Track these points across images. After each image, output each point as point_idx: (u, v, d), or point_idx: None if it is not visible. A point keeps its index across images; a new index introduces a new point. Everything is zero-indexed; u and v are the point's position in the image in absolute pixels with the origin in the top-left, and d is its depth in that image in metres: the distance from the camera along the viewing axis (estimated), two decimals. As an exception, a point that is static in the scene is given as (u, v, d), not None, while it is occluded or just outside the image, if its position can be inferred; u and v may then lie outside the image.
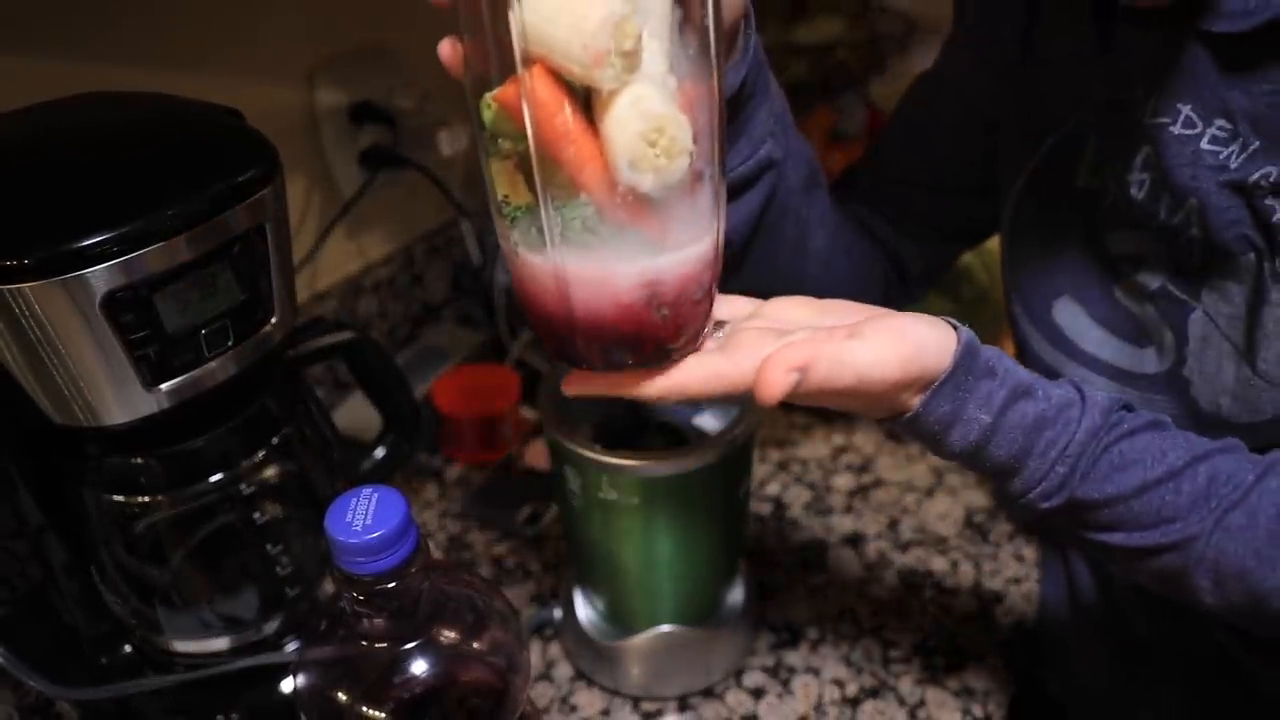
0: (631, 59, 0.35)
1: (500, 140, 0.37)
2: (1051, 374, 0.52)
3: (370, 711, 0.44)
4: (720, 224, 0.39)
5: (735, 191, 0.54)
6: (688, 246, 0.38)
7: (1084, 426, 0.44)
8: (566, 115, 0.35)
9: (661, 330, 0.39)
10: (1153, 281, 0.53)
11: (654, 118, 0.35)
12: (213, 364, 0.49)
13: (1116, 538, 0.45)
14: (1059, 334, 0.57)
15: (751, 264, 0.60)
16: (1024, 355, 0.60)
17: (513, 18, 0.33)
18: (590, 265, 0.37)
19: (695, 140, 0.36)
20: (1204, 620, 0.58)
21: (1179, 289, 0.52)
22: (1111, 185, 0.54)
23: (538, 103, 0.34)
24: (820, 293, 0.49)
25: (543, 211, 0.36)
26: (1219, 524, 0.43)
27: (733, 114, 0.52)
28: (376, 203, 0.91)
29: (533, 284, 0.39)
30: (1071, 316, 0.57)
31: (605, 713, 0.65)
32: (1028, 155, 0.59)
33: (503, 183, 0.38)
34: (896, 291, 0.71)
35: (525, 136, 0.35)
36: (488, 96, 0.37)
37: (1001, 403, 0.43)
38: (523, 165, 0.37)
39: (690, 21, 0.36)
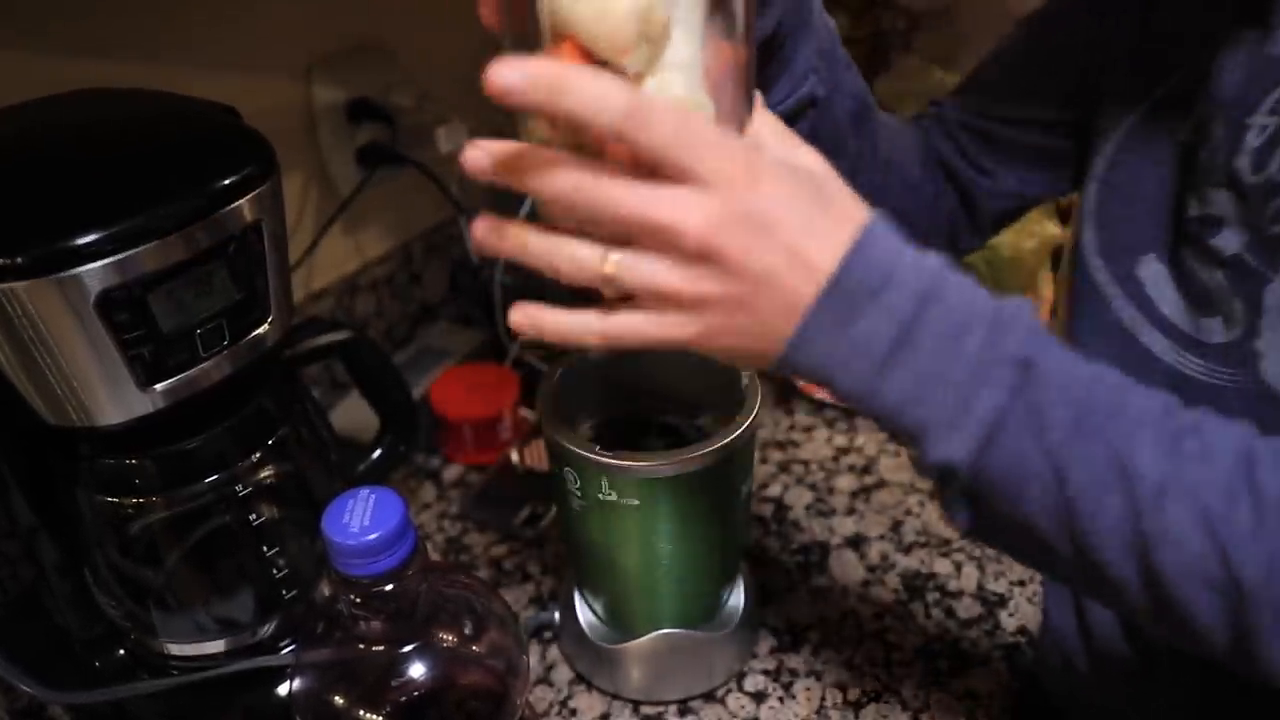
0: (657, 46, 0.35)
1: (530, 118, 0.38)
2: (1128, 336, 0.51)
3: (368, 715, 0.43)
4: None
5: None
6: None
7: (1025, 306, 0.39)
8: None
9: None
10: (1227, 248, 0.50)
11: (677, 104, 0.35)
12: (208, 364, 0.48)
13: (1078, 454, 0.37)
14: (1141, 292, 0.55)
15: None
16: (1094, 316, 0.57)
17: (540, 6, 0.35)
18: None
19: (721, 119, 0.37)
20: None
21: (1255, 258, 0.49)
22: (1220, 135, 0.51)
23: None
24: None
25: None
26: (1177, 446, 0.37)
27: (771, 53, 0.51)
28: (374, 201, 0.91)
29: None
30: (1154, 276, 0.55)
31: (605, 716, 0.64)
32: (1135, 102, 0.57)
33: None
34: (965, 232, 0.70)
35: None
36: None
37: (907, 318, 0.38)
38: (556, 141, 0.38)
39: (720, 4, 0.37)
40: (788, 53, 0.52)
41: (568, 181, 0.36)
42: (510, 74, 0.34)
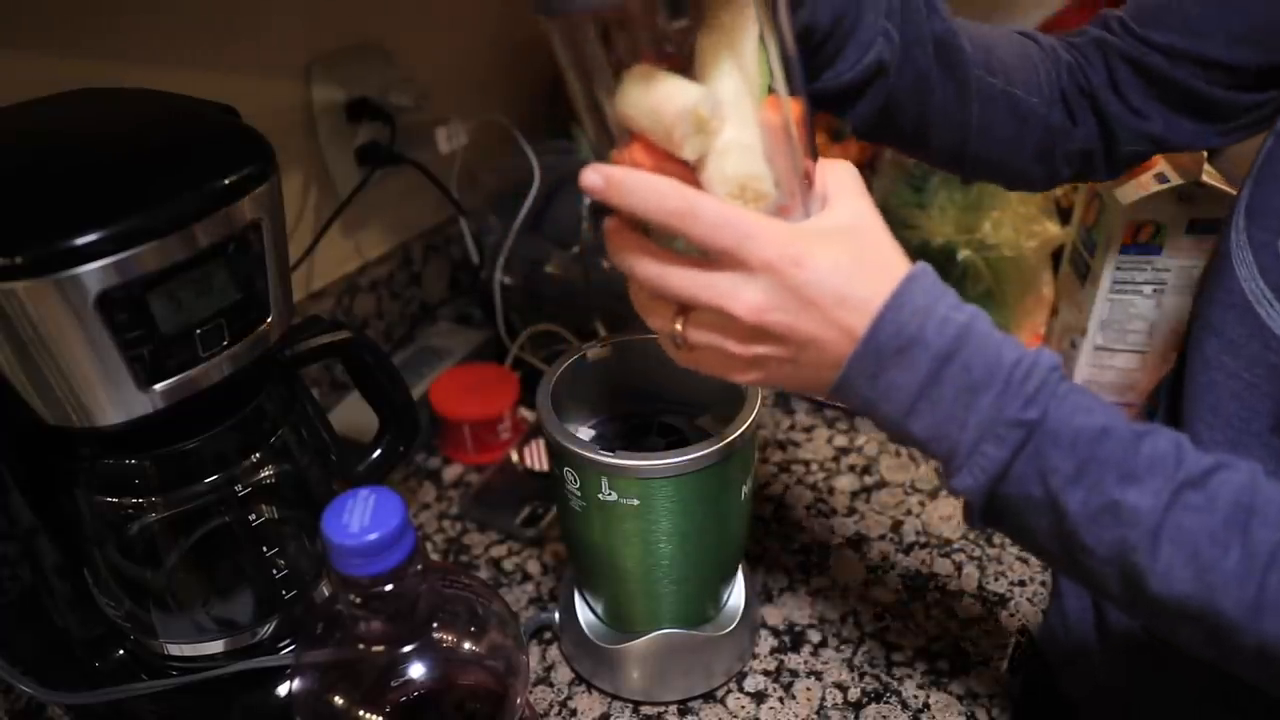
0: (709, 136, 0.42)
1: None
2: (1249, 310, 0.53)
3: (368, 715, 0.43)
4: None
5: (846, 96, 0.59)
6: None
7: (1043, 362, 0.43)
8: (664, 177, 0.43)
9: None
10: None
11: (735, 181, 0.42)
12: (208, 364, 0.48)
13: (1076, 496, 0.42)
14: (1276, 266, 0.54)
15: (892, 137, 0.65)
16: (1220, 284, 0.56)
17: (607, 108, 0.43)
18: None
19: (781, 179, 0.44)
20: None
21: None
22: None
23: (640, 169, 0.43)
24: (978, 157, 0.62)
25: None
26: (1178, 496, 0.41)
27: (831, 34, 0.55)
28: (373, 200, 0.90)
29: None
30: None
31: (605, 717, 0.64)
32: None
33: None
34: (1100, 166, 0.68)
35: None
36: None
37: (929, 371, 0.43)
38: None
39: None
40: (849, 26, 0.55)
41: (647, 269, 0.45)
42: (593, 177, 0.44)
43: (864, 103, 0.59)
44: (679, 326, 0.46)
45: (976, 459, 0.43)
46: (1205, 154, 0.77)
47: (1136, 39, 0.64)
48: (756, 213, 0.43)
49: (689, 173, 0.43)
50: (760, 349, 0.45)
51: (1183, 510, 0.41)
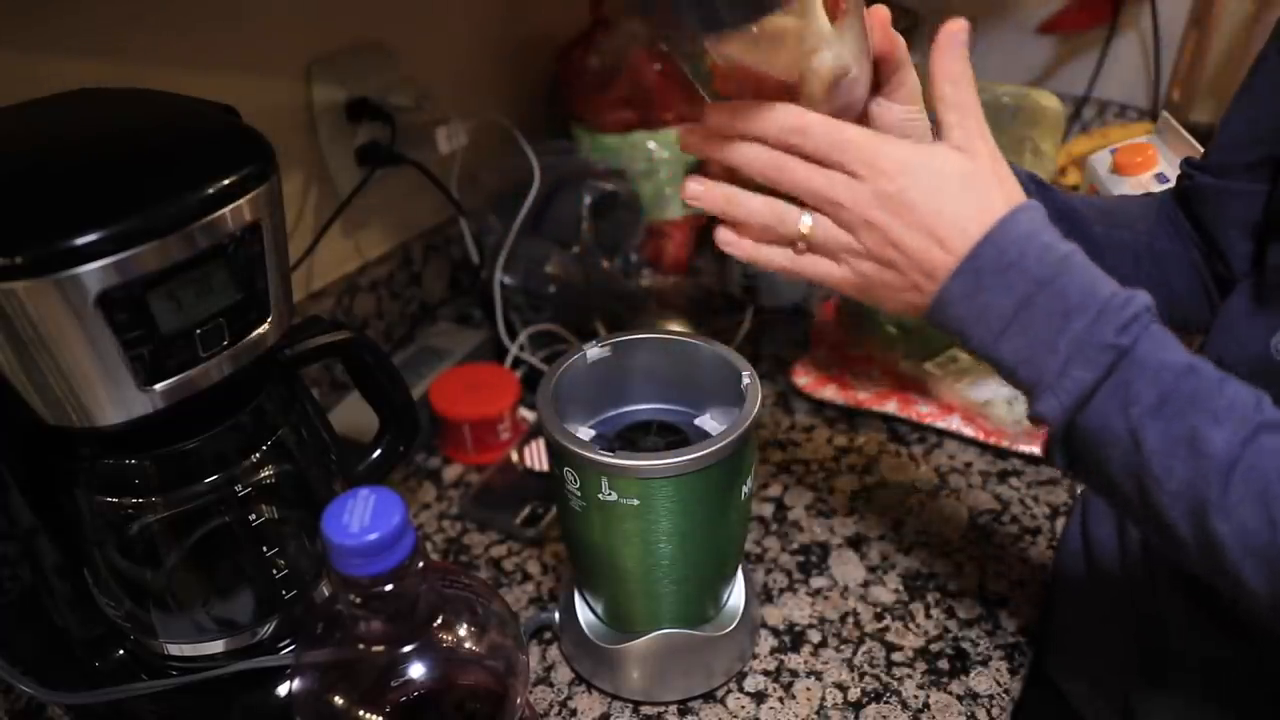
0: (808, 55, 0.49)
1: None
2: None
3: (367, 715, 0.43)
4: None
5: None
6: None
7: (1139, 299, 0.46)
8: None
9: None
10: None
11: (828, 78, 0.49)
12: (208, 364, 0.48)
13: (1155, 427, 0.44)
14: None
15: None
16: None
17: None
18: None
19: (860, 65, 0.51)
20: (1231, 620, 0.57)
21: None
22: None
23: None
24: None
25: None
26: (1254, 436, 0.43)
27: None
28: (374, 201, 0.91)
29: None
30: None
31: (605, 717, 0.64)
32: None
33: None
34: (1221, 293, 0.67)
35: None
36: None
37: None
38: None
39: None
40: None
41: (770, 160, 0.50)
42: (720, 114, 0.50)
43: None
44: (805, 223, 0.50)
45: (1063, 382, 0.45)
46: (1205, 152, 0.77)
47: (1209, 171, 0.65)
48: (863, 129, 0.49)
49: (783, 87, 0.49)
50: (866, 244, 0.49)
51: (1259, 450, 0.42)
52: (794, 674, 0.67)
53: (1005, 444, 0.86)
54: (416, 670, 0.44)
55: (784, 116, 0.48)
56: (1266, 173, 0.61)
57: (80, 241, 0.41)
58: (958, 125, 0.50)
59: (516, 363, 0.95)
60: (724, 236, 0.54)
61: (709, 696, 0.65)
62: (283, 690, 0.57)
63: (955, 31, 0.51)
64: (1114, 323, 0.45)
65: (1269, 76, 0.61)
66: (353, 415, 0.82)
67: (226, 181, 0.46)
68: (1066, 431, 0.47)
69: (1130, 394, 0.44)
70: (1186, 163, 0.68)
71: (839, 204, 0.49)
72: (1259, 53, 0.63)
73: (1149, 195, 0.70)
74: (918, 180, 0.48)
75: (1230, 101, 0.65)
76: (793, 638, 0.69)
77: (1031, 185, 0.61)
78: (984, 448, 0.87)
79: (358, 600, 0.41)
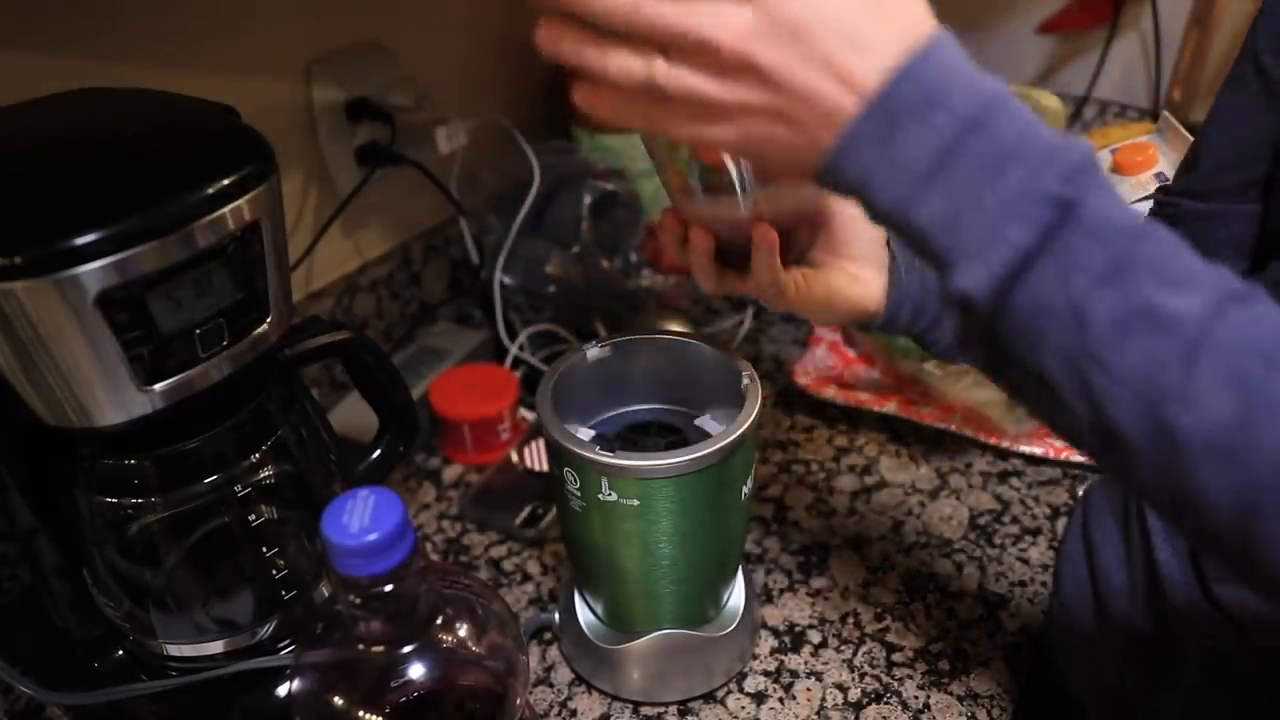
0: None
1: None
2: None
3: (367, 715, 0.43)
4: None
5: (961, 349, 0.61)
6: None
7: (1082, 146, 0.37)
8: None
9: None
10: None
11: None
12: (208, 364, 0.48)
13: (1105, 300, 0.35)
14: None
15: None
16: None
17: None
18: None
19: None
20: (1234, 618, 0.57)
21: None
22: None
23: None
24: None
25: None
26: (1222, 309, 0.35)
27: (915, 319, 0.59)
28: (373, 200, 0.90)
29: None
30: None
31: (605, 717, 0.64)
32: None
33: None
34: None
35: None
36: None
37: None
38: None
39: None
40: (932, 314, 0.59)
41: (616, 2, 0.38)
42: None
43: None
44: (657, 69, 0.39)
45: (995, 245, 0.36)
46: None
47: (1177, 194, 0.65)
48: None
49: None
50: (743, 95, 0.38)
51: (1227, 323, 0.35)
52: (794, 674, 0.66)
53: (1005, 444, 0.86)
54: (416, 671, 0.43)
55: None
56: (1257, 193, 0.61)
57: (80, 241, 0.41)
58: None
59: (516, 363, 0.95)
60: (581, 95, 0.42)
61: (709, 697, 0.65)
62: (283, 690, 0.57)
63: None
64: (1057, 172, 0.36)
65: (1246, 95, 0.60)
66: (353, 415, 0.82)
67: (226, 181, 0.46)
68: (992, 311, 0.37)
69: (1076, 260, 0.35)
70: (1164, 190, 0.67)
71: (713, 42, 0.37)
72: (1230, 72, 0.62)
73: None
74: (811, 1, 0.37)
75: (1204, 125, 0.64)
76: (793, 638, 0.69)
77: None
78: (984, 448, 0.87)
79: (358, 600, 0.41)
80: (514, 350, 0.95)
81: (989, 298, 0.37)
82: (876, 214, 0.40)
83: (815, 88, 0.37)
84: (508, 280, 0.96)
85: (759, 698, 0.65)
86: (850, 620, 0.70)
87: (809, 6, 0.37)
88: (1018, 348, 0.38)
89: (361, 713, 0.43)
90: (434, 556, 0.78)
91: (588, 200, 0.95)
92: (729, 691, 0.66)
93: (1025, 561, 0.75)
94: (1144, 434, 0.36)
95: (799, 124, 0.39)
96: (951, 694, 0.65)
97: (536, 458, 0.86)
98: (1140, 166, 0.85)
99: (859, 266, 0.58)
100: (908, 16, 0.38)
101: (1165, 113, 0.89)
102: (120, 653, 0.58)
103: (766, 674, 0.67)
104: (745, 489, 0.60)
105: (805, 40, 0.37)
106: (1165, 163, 0.80)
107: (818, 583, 0.74)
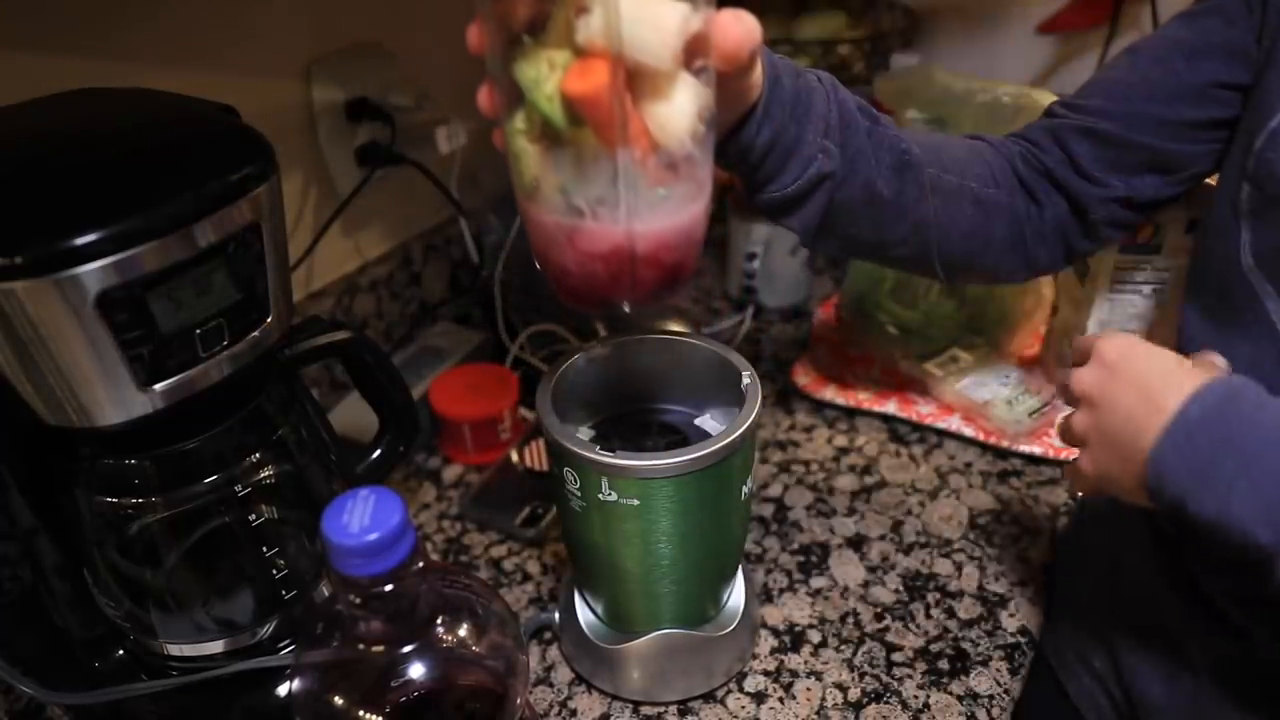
0: (692, 55, 0.42)
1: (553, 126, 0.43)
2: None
3: (367, 715, 0.43)
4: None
5: (791, 206, 0.60)
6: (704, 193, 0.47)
7: None
8: (628, 102, 0.41)
9: None
10: None
11: (706, 97, 0.43)
12: (208, 364, 0.48)
13: None
14: None
15: (840, 244, 0.66)
16: (1243, 319, 0.58)
17: (596, 21, 0.40)
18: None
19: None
20: (1234, 619, 0.57)
21: None
22: None
23: (607, 94, 0.40)
24: (950, 255, 0.67)
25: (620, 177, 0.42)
26: None
27: (771, 148, 0.56)
28: (373, 200, 0.90)
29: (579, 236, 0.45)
30: None
31: (605, 717, 0.64)
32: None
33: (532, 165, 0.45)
34: (1078, 237, 0.70)
35: (584, 123, 0.42)
36: (549, 89, 0.42)
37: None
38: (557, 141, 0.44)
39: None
40: (791, 143, 0.56)
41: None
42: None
43: (809, 210, 0.60)
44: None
45: None
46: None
47: (1085, 112, 0.66)
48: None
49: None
50: (1081, 418, 0.54)
51: None
52: (794, 674, 0.66)
53: (1005, 444, 0.86)
54: (416, 670, 0.43)
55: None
56: (1168, 133, 0.64)
57: (80, 241, 0.41)
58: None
59: (516, 363, 0.95)
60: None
61: (709, 697, 0.65)
62: (283, 690, 0.57)
63: None
64: None
65: (1203, 36, 0.62)
66: (353, 415, 0.82)
67: (226, 181, 0.46)
68: None
69: None
70: (1066, 106, 0.69)
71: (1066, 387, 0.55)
72: (1192, 8, 0.64)
73: (975, 139, 0.71)
74: (1133, 352, 0.51)
75: (1137, 50, 0.66)
76: (793, 638, 0.69)
77: (833, 92, 0.59)
78: (984, 448, 0.87)
79: (358, 600, 0.41)
80: (514, 350, 0.95)
81: None
82: (1194, 521, 0.46)
83: (1130, 403, 0.50)
84: (508, 280, 0.96)
85: (759, 697, 0.65)
86: (850, 620, 0.70)
87: (1124, 357, 0.52)
88: None
89: (361, 713, 0.43)
90: (434, 556, 0.78)
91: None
92: (729, 691, 0.66)
93: (1025, 561, 0.75)
94: None
95: (1120, 438, 0.50)
96: (951, 694, 0.65)
97: (536, 458, 0.86)
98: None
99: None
100: (1198, 369, 0.50)
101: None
102: (121, 652, 0.58)
103: (766, 674, 0.67)
104: (745, 489, 0.60)
105: (1121, 375, 0.51)
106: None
107: (818, 583, 0.74)
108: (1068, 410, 0.57)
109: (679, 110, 0.42)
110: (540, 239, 0.47)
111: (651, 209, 0.44)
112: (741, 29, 0.46)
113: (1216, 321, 0.60)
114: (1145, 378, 0.50)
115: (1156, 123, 0.64)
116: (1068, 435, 0.56)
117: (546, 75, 0.42)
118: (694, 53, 0.42)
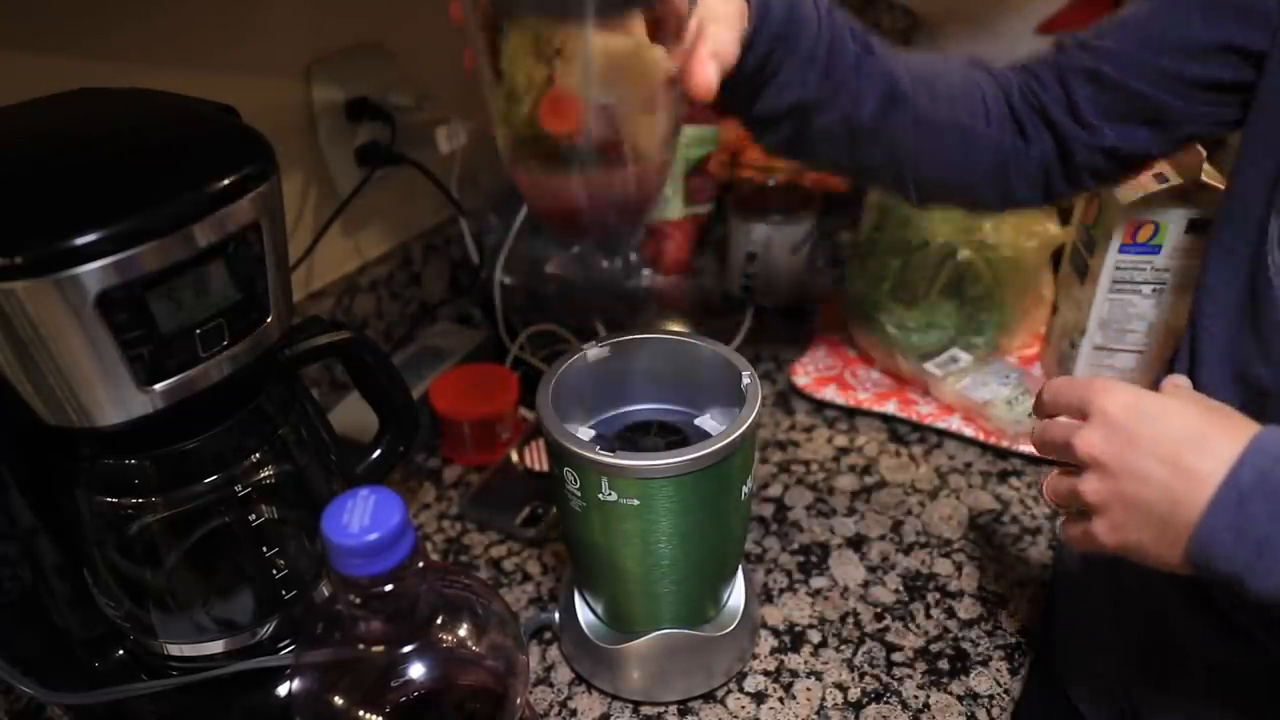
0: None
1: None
2: None
3: (367, 715, 0.43)
4: None
5: (766, 124, 0.61)
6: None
7: None
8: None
9: None
10: None
11: (679, 108, 0.48)
12: (208, 364, 0.48)
13: None
14: None
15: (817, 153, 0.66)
16: (1268, 310, 0.56)
17: (574, 74, 0.44)
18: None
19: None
20: (1233, 620, 0.57)
21: None
22: None
23: (580, 130, 0.45)
24: (924, 181, 0.67)
25: None
26: None
27: (751, 76, 0.57)
28: (373, 200, 0.90)
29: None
30: None
31: (605, 717, 0.64)
32: None
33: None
34: (1059, 180, 0.69)
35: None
36: (524, 110, 0.49)
37: None
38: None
39: None
40: (770, 73, 0.57)
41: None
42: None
43: (781, 131, 0.62)
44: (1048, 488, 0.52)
45: None
46: (1205, 153, 0.77)
47: (1090, 51, 0.66)
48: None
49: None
50: (1094, 483, 0.47)
51: None
52: (794, 674, 0.67)
53: (1005, 444, 0.86)
54: (416, 670, 0.43)
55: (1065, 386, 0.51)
56: (1167, 86, 0.62)
57: (80, 241, 0.41)
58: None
59: (516, 363, 0.95)
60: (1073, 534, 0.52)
61: (709, 697, 0.65)
62: (283, 690, 0.57)
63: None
64: None
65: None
66: (353, 415, 0.82)
67: (226, 181, 0.46)
68: None
69: None
70: (1077, 43, 0.67)
71: (1072, 450, 0.48)
72: None
73: (975, 67, 0.70)
74: (1145, 410, 0.46)
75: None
76: (793, 638, 0.69)
77: (826, 18, 0.59)
78: (984, 448, 0.87)
79: (358, 600, 0.41)
80: (514, 350, 0.95)
81: None
82: (1260, 597, 0.43)
83: (1156, 476, 0.45)
84: (508, 280, 0.96)
85: (759, 697, 0.65)
86: (850, 620, 0.70)
87: (1133, 417, 0.46)
88: None
89: (361, 713, 0.43)
90: (434, 556, 0.78)
91: (588, 200, 0.95)
92: (729, 691, 0.66)
93: (1025, 561, 0.75)
94: None
95: (1151, 507, 0.45)
96: (951, 694, 0.65)
97: (536, 458, 0.86)
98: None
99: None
100: (1240, 423, 0.45)
101: (1165, 113, 0.89)
102: (121, 652, 0.58)
103: (766, 674, 0.67)
104: (745, 489, 0.60)
105: (1138, 440, 0.45)
106: (1164, 162, 0.80)
107: (818, 583, 0.74)
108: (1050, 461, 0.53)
109: (651, 130, 0.45)
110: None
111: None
112: (705, 76, 0.49)
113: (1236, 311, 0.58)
114: (1168, 442, 0.45)
115: (1159, 73, 0.62)
116: (1069, 499, 0.50)
117: (524, 92, 0.48)
118: (668, 84, 0.46)
